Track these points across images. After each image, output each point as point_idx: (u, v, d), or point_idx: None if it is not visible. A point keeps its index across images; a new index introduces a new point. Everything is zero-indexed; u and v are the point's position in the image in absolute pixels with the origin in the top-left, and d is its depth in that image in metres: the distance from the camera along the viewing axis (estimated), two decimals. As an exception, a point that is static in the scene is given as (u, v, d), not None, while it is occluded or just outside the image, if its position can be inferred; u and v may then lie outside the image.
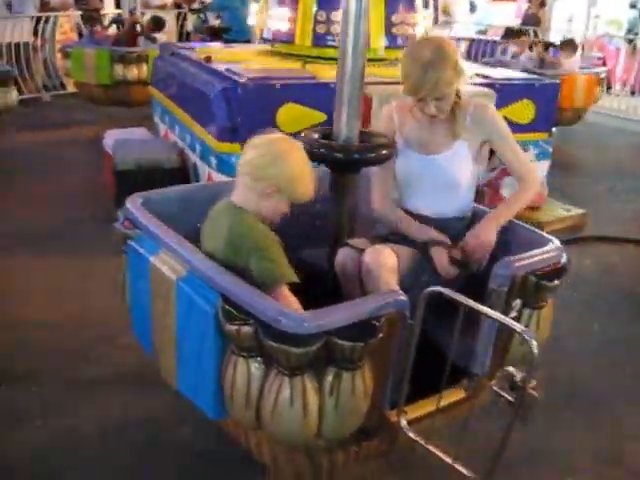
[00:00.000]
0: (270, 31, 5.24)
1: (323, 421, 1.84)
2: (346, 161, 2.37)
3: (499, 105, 4.46)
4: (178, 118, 5.26)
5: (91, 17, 8.06)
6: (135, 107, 7.26)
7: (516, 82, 5.09)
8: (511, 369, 1.79)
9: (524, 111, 4.94)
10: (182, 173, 5.05)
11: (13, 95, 5.89)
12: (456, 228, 2.49)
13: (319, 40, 4.92)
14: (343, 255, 2.38)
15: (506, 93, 4.77)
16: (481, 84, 4.66)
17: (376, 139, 2.43)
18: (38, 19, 8.97)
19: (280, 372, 1.79)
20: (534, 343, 1.70)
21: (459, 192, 2.50)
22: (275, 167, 2.06)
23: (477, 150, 2.49)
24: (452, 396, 2.18)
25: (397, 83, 4.29)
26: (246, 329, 1.79)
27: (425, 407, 2.15)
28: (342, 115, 2.34)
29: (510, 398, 1.78)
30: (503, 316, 1.81)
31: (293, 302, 2.03)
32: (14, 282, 4.01)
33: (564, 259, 2.32)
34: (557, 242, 2.37)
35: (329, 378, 1.82)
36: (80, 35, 9.25)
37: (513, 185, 2.67)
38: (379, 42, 4.95)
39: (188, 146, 5.01)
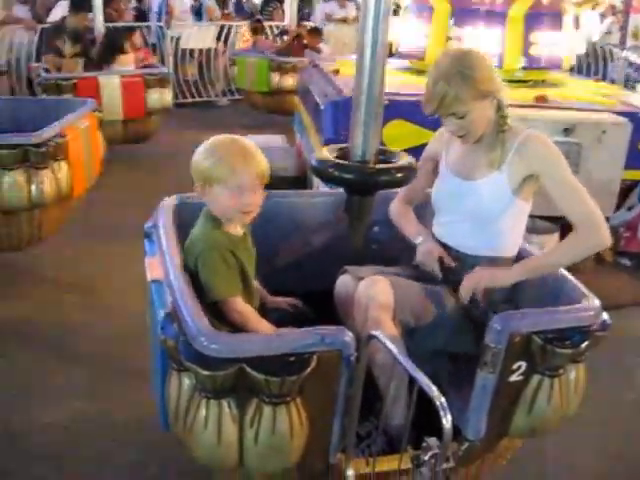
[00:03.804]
0: (404, 46, 5.09)
1: (244, 452, 1.72)
2: (358, 182, 2.19)
3: (636, 139, 3.97)
4: (306, 127, 5.29)
5: (256, 28, 8.39)
6: (290, 115, 7.42)
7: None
8: (430, 440, 1.52)
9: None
10: (299, 182, 5.07)
11: (168, 96, 6.27)
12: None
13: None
14: (340, 282, 2.21)
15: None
16: (615, 111, 4.15)
17: (396, 159, 2.22)
18: (222, 27, 9.51)
19: (200, 392, 1.69)
20: (447, 414, 1.43)
21: (490, 227, 2.21)
22: (193, 160, 1.99)
23: (519, 184, 2.18)
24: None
25: (529, 106, 4.13)
26: (171, 342, 1.72)
27: (390, 464, 1.92)
28: (358, 133, 2.17)
29: (425, 476, 1.52)
30: (418, 371, 1.54)
31: (246, 317, 1.94)
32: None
33: (595, 321, 1.95)
34: (593, 301, 2.00)
35: (250, 409, 1.69)
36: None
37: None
38: (515, 62, 4.61)
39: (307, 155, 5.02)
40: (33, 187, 3.57)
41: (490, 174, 2.19)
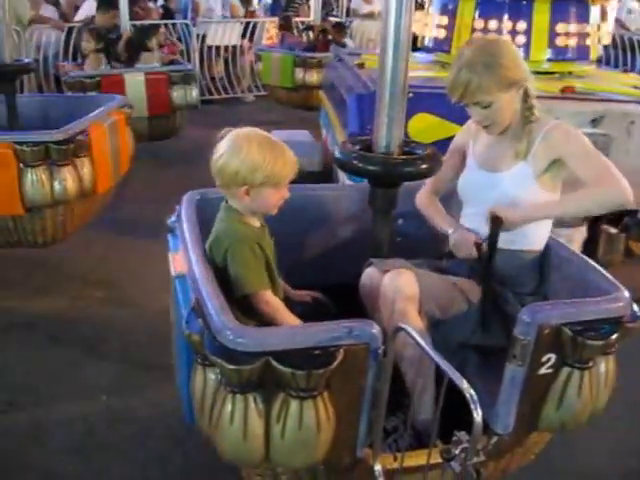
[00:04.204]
0: (430, 40, 5.04)
1: (270, 447, 1.71)
2: (383, 174, 2.17)
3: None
4: (331, 122, 5.27)
5: (282, 24, 8.39)
6: (315, 110, 7.40)
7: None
8: (460, 434, 1.50)
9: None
10: (325, 177, 5.06)
11: (194, 93, 6.25)
12: (512, 263, 2.18)
13: (476, 50, 4.63)
14: (366, 275, 2.20)
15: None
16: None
17: (420, 151, 2.20)
18: (247, 23, 9.52)
19: (226, 387, 1.69)
20: (478, 407, 1.41)
21: None
22: (233, 163, 1.94)
23: (543, 172, 2.16)
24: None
25: (555, 98, 4.06)
26: (196, 337, 1.72)
27: (419, 459, 1.90)
28: (382, 125, 2.15)
29: (456, 470, 1.50)
30: (447, 363, 1.52)
31: (275, 309, 1.94)
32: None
33: (625, 313, 1.92)
34: (623, 292, 1.97)
35: (277, 404, 1.68)
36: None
37: None
38: (541, 54, 4.53)
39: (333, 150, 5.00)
40: (56, 184, 3.59)
41: (515, 165, 2.18)
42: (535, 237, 2.23)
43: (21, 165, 3.52)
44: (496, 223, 2.11)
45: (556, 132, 2.14)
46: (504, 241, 2.18)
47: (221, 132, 2.03)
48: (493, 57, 2.06)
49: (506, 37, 4.64)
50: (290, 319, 1.96)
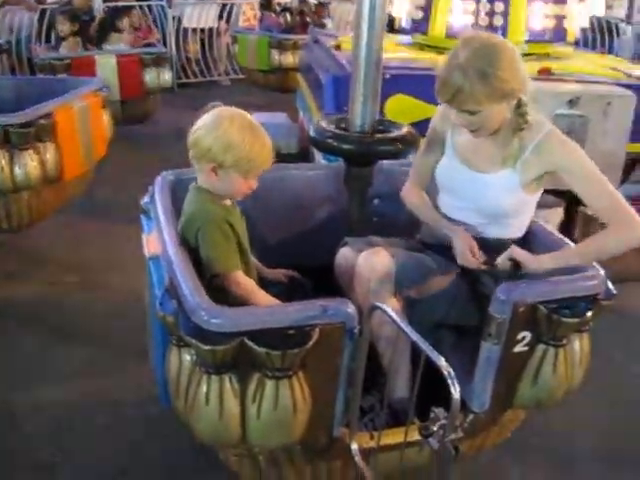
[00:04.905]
0: (407, 21, 5.02)
1: (246, 427, 1.71)
2: (357, 153, 2.16)
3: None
4: (308, 104, 5.24)
5: (263, 4, 8.33)
6: (292, 93, 7.36)
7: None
8: (438, 411, 1.50)
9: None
10: (302, 158, 5.04)
11: (167, 75, 6.19)
12: (496, 251, 2.12)
13: (454, 31, 4.62)
14: (341, 255, 2.19)
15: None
16: (621, 84, 4.08)
17: (395, 130, 2.19)
18: (224, 5, 9.41)
19: (201, 368, 1.67)
20: (455, 384, 1.41)
21: (498, 218, 2.15)
22: (208, 138, 1.90)
23: (531, 181, 2.09)
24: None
25: (533, 79, 4.05)
26: (170, 318, 1.70)
27: (396, 437, 1.90)
28: (357, 103, 2.14)
29: (434, 446, 1.50)
30: (424, 341, 1.52)
31: (248, 289, 1.93)
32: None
33: (600, 290, 1.93)
34: (597, 270, 1.97)
35: (252, 384, 1.67)
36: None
37: None
38: (519, 36, 4.53)
39: (309, 131, 4.98)
40: (16, 168, 3.49)
41: (502, 171, 2.10)
42: (515, 229, 2.20)
43: None
44: (516, 267, 2.04)
45: (551, 143, 2.04)
46: (483, 232, 2.16)
47: (208, 105, 1.99)
48: (490, 66, 1.90)
49: (483, 18, 4.66)
50: (264, 299, 1.93)
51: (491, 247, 2.13)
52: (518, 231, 2.21)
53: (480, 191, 2.13)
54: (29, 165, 3.53)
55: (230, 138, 1.89)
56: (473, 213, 2.17)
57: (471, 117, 2.00)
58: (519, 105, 2.01)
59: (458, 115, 2.02)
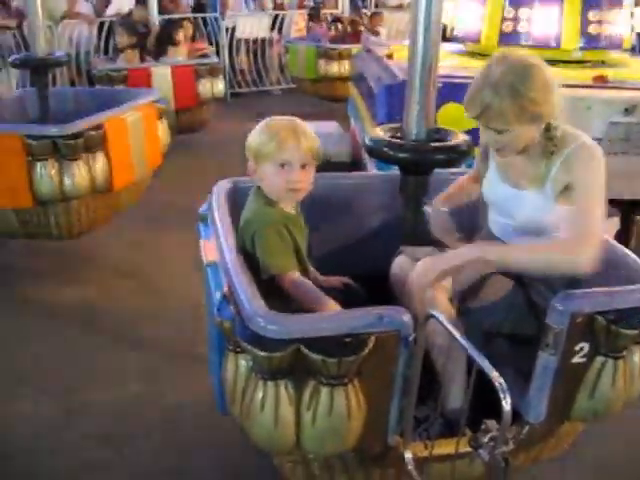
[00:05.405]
0: (460, 30, 5.01)
1: (301, 434, 1.72)
2: (413, 161, 2.17)
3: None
4: (360, 113, 5.26)
5: (311, 14, 8.42)
6: (339, 101, 7.41)
7: None
8: (489, 422, 1.49)
9: None
10: (354, 167, 5.05)
11: (220, 85, 6.30)
12: None
13: (506, 39, 4.58)
14: (396, 263, 2.20)
15: None
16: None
17: (451, 138, 2.19)
18: (276, 16, 9.53)
19: (257, 374, 1.70)
20: (507, 396, 1.40)
21: (545, 234, 2.09)
22: (247, 139, 2.04)
23: (561, 193, 2.02)
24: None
25: (587, 87, 4.01)
26: (227, 324, 1.73)
27: (449, 447, 1.89)
28: (412, 112, 2.15)
29: (484, 458, 1.49)
30: (477, 352, 1.51)
31: (305, 289, 1.95)
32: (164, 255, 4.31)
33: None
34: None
35: (308, 391, 1.68)
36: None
37: None
38: (573, 42, 4.47)
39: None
40: (65, 178, 3.57)
41: (535, 187, 2.06)
42: None
43: (30, 158, 3.52)
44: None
45: (578, 155, 1.96)
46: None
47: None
48: (522, 85, 1.87)
49: (537, 25, 4.60)
50: (322, 300, 1.93)
51: None
52: None
53: (518, 207, 2.11)
54: (77, 175, 3.60)
55: (252, 134, 2.04)
56: (516, 229, 2.14)
57: (497, 135, 1.96)
58: (548, 129, 1.97)
59: (484, 131, 1.99)
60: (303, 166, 2.00)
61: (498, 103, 1.86)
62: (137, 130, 4.08)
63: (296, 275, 1.97)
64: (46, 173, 3.53)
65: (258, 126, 2.04)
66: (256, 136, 2.02)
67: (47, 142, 3.52)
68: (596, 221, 1.91)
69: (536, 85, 1.89)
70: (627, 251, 2.12)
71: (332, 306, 1.92)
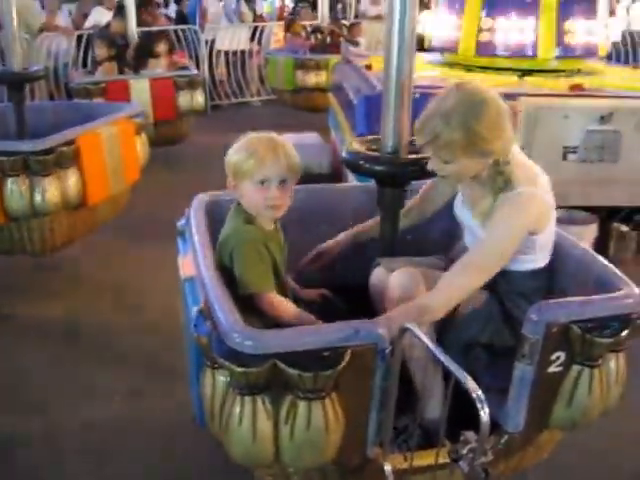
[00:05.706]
0: (437, 40, 5.05)
1: (279, 448, 1.72)
2: (390, 174, 2.18)
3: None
4: (340, 123, 5.28)
5: (288, 26, 8.47)
6: (317, 112, 7.42)
7: None
8: (468, 434, 1.50)
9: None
10: (334, 178, 5.07)
11: (200, 98, 6.26)
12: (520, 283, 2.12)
13: (483, 49, 4.63)
14: (374, 275, 2.20)
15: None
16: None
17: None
18: (255, 27, 9.55)
19: (234, 389, 1.69)
20: (485, 407, 1.41)
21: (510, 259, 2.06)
22: (227, 156, 2.04)
23: None
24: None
25: (564, 96, 4.05)
26: (204, 340, 1.73)
27: (428, 458, 1.89)
28: (388, 124, 2.16)
29: (464, 470, 1.50)
30: (454, 363, 1.52)
31: (283, 309, 1.96)
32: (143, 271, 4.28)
33: (635, 309, 1.90)
34: (632, 289, 1.95)
35: (285, 405, 1.69)
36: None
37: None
38: (549, 52, 4.53)
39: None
40: (36, 194, 3.52)
41: (480, 222, 2.06)
42: (536, 259, 2.12)
43: (0, 174, 3.48)
44: None
45: (509, 199, 1.94)
46: (511, 267, 2.08)
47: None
48: (475, 119, 1.86)
49: (513, 35, 4.63)
50: (300, 318, 1.96)
51: (514, 278, 2.10)
52: (536, 263, 2.11)
53: (474, 236, 2.13)
54: (49, 191, 3.54)
55: (230, 151, 2.03)
56: None
57: (442, 164, 1.97)
58: (497, 163, 1.95)
59: (432, 159, 2.00)
60: (282, 182, 2.00)
61: (448, 134, 1.87)
62: (113, 145, 4.01)
63: (273, 295, 1.97)
64: (17, 189, 3.49)
65: (237, 143, 2.03)
66: (235, 153, 2.01)
67: (18, 158, 3.48)
68: (499, 257, 1.95)
69: (488, 121, 1.88)
70: (598, 257, 2.13)
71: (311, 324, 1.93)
